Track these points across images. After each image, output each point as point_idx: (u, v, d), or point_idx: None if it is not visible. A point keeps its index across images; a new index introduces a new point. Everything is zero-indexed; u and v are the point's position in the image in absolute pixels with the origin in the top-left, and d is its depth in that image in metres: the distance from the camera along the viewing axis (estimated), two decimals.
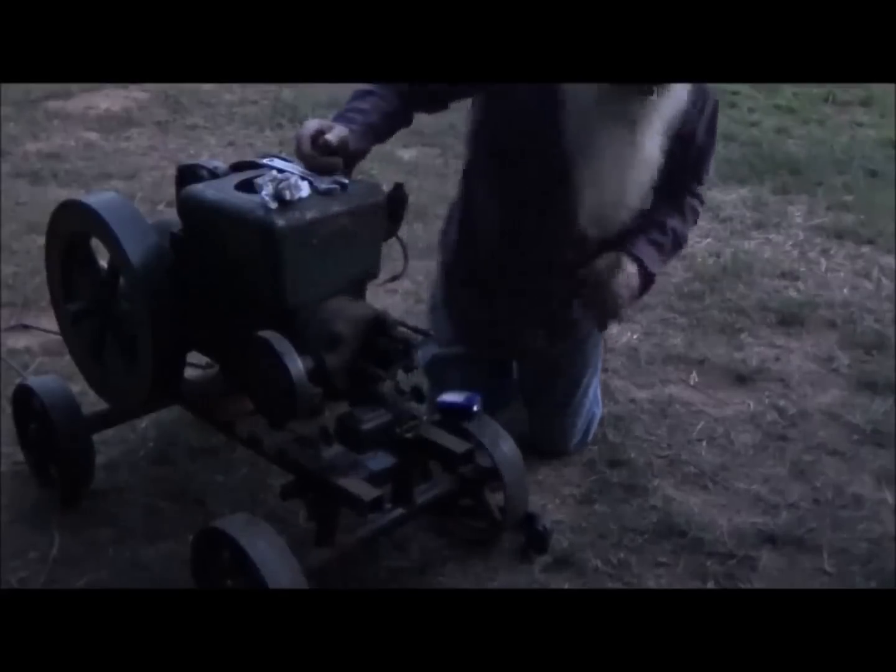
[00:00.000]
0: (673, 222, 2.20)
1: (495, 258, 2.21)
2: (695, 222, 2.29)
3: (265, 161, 1.94)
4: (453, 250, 2.32)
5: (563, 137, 1.96)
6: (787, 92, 5.28)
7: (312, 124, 1.85)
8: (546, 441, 2.40)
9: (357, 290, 1.91)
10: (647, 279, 2.16)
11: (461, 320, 2.34)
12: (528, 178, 2.07)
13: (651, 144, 1.98)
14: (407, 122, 2.04)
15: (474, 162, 2.22)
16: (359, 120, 1.89)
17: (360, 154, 1.91)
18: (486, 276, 2.25)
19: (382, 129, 1.94)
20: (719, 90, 5.22)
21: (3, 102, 4.47)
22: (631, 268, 2.10)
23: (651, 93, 1.89)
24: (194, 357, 2.12)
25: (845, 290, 3.27)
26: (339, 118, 1.90)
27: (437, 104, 2.09)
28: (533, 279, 2.19)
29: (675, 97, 1.95)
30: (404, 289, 3.05)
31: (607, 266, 2.10)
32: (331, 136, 1.81)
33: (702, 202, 2.29)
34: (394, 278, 2.10)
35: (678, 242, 2.23)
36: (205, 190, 1.86)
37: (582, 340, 2.36)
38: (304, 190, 1.76)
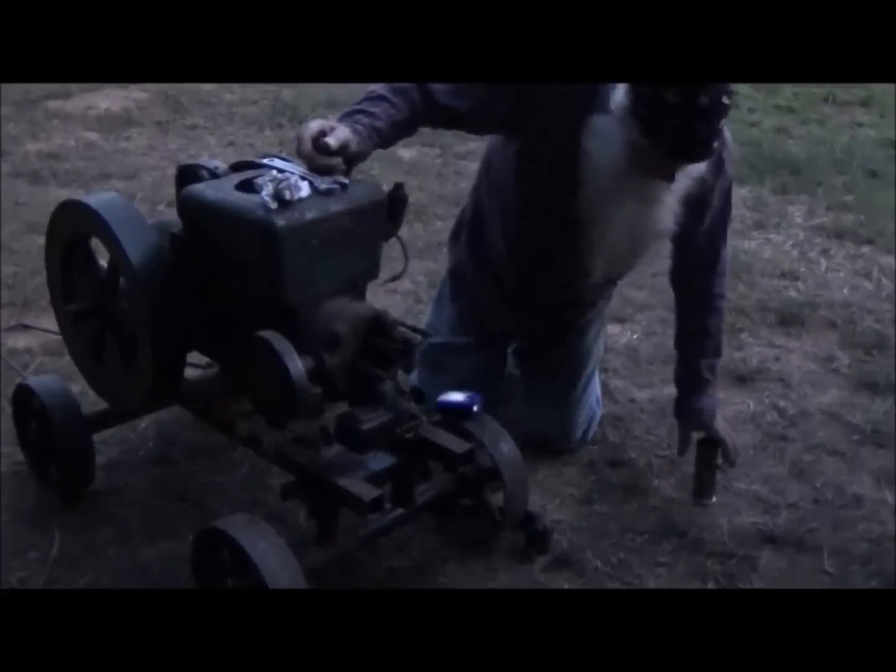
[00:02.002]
0: (705, 361, 2.27)
1: (502, 276, 2.29)
2: (721, 317, 2.31)
3: (265, 161, 1.94)
4: (461, 255, 2.39)
5: (579, 204, 2.01)
6: (787, 92, 5.27)
7: (314, 125, 1.84)
8: (547, 437, 2.39)
9: (357, 290, 1.91)
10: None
11: (468, 316, 2.39)
12: (540, 223, 2.13)
13: (666, 216, 2.03)
14: (410, 133, 2.04)
15: (486, 185, 2.26)
16: (366, 122, 1.87)
17: (362, 156, 1.91)
18: (494, 286, 2.32)
19: (387, 136, 1.93)
20: None
21: (3, 102, 4.46)
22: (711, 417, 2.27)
23: (673, 181, 1.94)
24: (194, 357, 2.12)
25: (845, 290, 3.26)
26: (346, 116, 1.88)
27: (443, 125, 2.14)
28: (540, 297, 2.27)
29: (692, 171, 1.98)
30: (404, 289, 3.05)
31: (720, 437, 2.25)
32: (331, 140, 1.79)
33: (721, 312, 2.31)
34: (394, 278, 2.10)
35: (718, 352, 2.31)
36: (205, 190, 1.86)
37: (582, 332, 2.38)
38: (304, 190, 1.76)
